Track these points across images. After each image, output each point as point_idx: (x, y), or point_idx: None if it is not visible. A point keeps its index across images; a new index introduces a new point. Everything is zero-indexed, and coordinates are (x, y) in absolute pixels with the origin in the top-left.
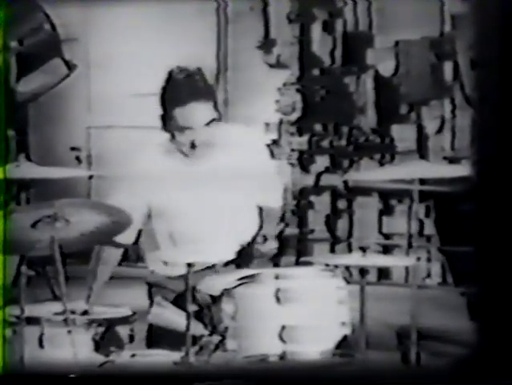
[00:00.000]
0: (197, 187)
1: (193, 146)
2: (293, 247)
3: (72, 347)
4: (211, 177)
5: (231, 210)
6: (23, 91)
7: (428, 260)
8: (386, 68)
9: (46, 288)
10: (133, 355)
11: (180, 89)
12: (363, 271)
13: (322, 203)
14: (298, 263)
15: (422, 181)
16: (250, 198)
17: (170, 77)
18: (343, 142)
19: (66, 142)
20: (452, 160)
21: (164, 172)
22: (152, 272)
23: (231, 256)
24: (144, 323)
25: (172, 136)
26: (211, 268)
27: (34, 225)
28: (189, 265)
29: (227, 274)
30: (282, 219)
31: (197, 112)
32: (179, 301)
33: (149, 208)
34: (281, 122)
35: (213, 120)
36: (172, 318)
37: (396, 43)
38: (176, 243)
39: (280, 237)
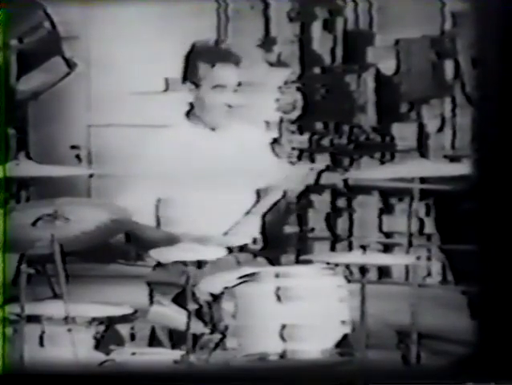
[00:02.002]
0: (199, 185)
1: (229, 106)
2: (293, 245)
3: (72, 346)
4: (212, 176)
5: (232, 208)
6: (23, 90)
7: (429, 258)
8: (387, 67)
9: (46, 286)
10: (133, 354)
11: (206, 53)
12: (363, 269)
13: (322, 201)
14: (298, 261)
15: (422, 180)
16: (249, 196)
17: (193, 47)
18: (344, 140)
19: (66, 140)
20: (452, 159)
21: (166, 170)
22: (153, 270)
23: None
24: (144, 322)
25: (192, 108)
26: (212, 265)
27: (34, 224)
28: (189, 262)
29: (227, 272)
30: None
31: (225, 72)
32: (179, 300)
33: (152, 206)
34: (281, 120)
35: (241, 84)
36: (172, 316)
37: (397, 42)
38: (177, 240)
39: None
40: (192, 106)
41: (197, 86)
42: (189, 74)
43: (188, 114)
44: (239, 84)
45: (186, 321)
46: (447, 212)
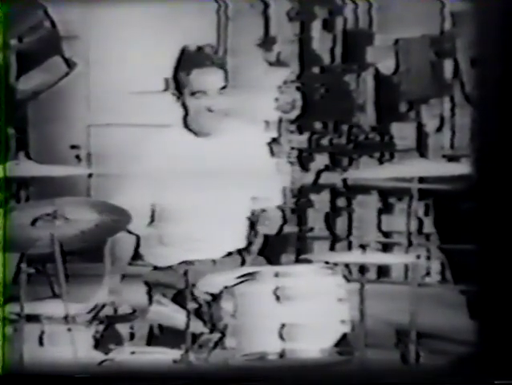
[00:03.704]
0: (198, 185)
1: (210, 111)
2: (292, 245)
3: (72, 345)
4: (211, 175)
5: (231, 208)
6: (23, 89)
7: (428, 258)
8: (386, 66)
9: (46, 285)
10: (133, 353)
11: (191, 58)
12: (362, 269)
13: (321, 201)
14: (297, 261)
15: (421, 179)
16: (248, 196)
17: (183, 52)
18: (343, 140)
19: (66, 140)
20: (451, 158)
21: (165, 170)
22: (152, 270)
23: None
24: (143, 321)
25: (186, 114)
26: (211, 265)
27: (34, 223)
28: (188, 262)
29: (227, 272)
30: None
31: (207, 77)
32: (178, 299)
33: (151, 206)
34: (280, 120)
35: (225, 87)
36: (172, 315)
37: (396, 41)
38: (176, 241)
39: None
40: (185, 113)
41: (181, 93)
42: (173, 81)
43: (184, 120)
44: (223, 87)
45: (186, 320)
46: (446, 212)
